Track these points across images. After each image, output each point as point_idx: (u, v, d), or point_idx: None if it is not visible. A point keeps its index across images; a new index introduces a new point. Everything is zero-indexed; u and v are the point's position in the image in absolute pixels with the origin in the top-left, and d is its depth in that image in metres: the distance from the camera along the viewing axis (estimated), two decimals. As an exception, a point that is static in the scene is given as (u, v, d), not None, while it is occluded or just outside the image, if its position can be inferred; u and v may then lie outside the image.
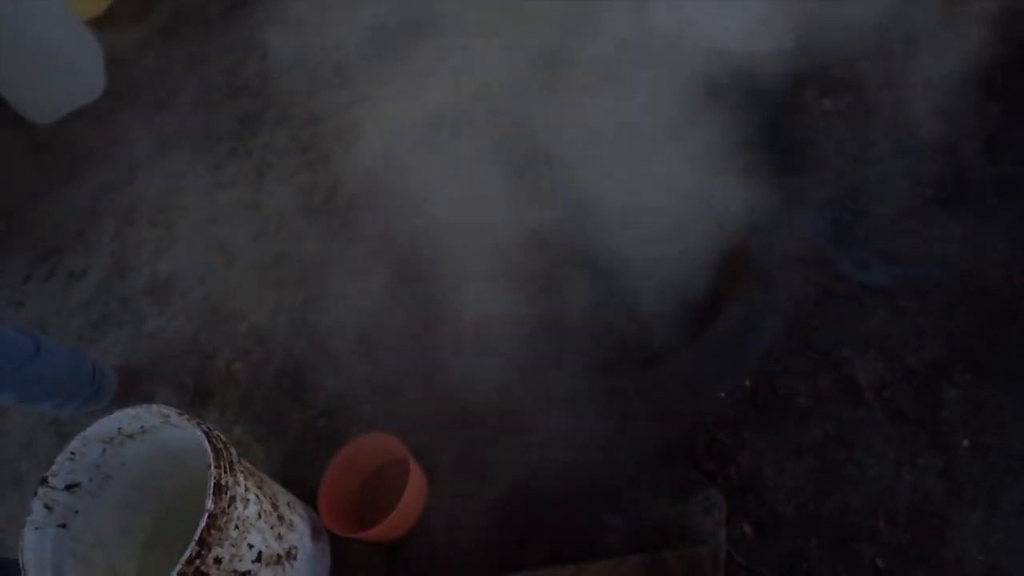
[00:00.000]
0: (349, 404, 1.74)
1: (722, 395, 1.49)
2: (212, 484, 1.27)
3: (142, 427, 1.45)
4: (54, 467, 1.40)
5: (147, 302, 2.13)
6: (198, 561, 1.22)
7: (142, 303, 2.13)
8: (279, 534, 1.43)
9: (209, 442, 1.32)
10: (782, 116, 1.75)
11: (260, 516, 1.38)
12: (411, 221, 1.85)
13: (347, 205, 2.08)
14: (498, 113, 1.91)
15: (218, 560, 1.26)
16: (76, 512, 1.43)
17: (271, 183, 2.23)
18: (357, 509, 1.65)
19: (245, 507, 1.33)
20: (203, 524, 1.23)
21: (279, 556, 1.42)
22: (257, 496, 1.39)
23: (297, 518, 1.51)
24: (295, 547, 1.47)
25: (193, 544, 1.22)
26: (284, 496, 1.52)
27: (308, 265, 2.01)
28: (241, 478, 1.35)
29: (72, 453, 1.42)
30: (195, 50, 2.73)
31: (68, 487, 1.42)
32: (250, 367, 1.89)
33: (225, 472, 1.31)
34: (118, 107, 2.67)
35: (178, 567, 1.19)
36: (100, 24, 2.93)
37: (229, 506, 1.29)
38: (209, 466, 1.29)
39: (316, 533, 1.55)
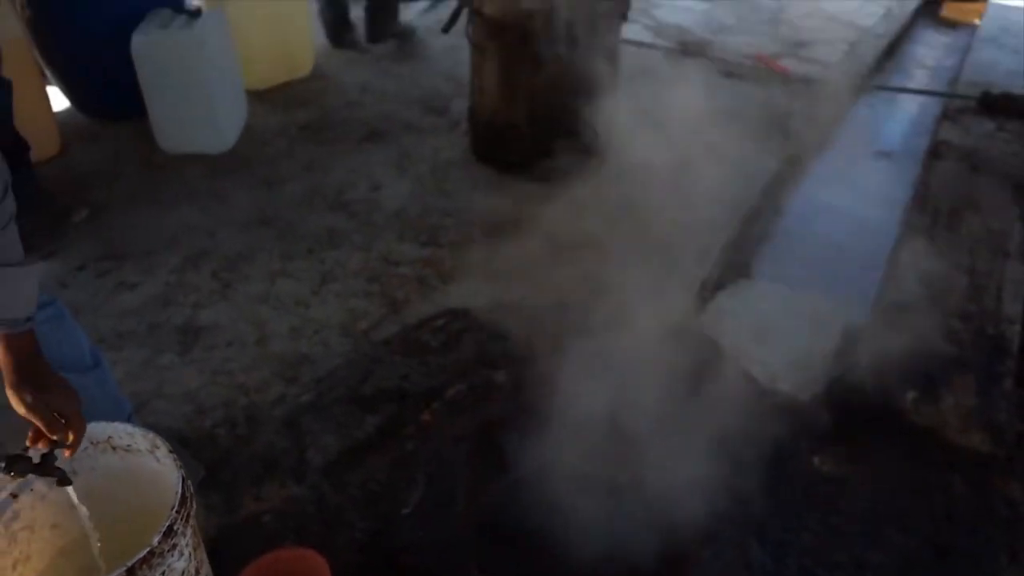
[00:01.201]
0: (300, 514, 1.83)
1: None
2: (167, 525, 1.36)
3: (128, 446, 1.56)
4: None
5: (174, 339, 2.28)
6: (119, 588, 1.30)
7: (169, 338, 2.28)
8: (192, 601, 1.49)
9: (182, 487, 1.42)
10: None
11: (183, 574, 1.45)
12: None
13: (381, 342, 2.27)
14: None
15: (135, 598, 1.33)
16: (31, 490, 1.51)
17: (327, 294, 2.44)
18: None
19: (179, 559, 1.41)
20: (141, 555, 1.31)
21: (179, 619, 1.47)
22: (191, 555, 1.47)
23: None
24: (194, 619, 1.52)
25: (123, 569, 1.30)
26: (206, 568, 1.59)
27: (323, 376, 2.16)
28: (189, 532, 1.44)
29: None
30: (320, 156, 3.05)
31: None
32: (231, 439, 2.00)
33: (181, 520, 1.40)
34: (233, 168, 2.96)
35: (117, 572, 1.27)
36: (255, 96, 3.30)
37: (169, 551, 1.37)
38: (172, 507, 1.38)
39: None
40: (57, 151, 2.98)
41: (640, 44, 3.51)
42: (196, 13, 2.95)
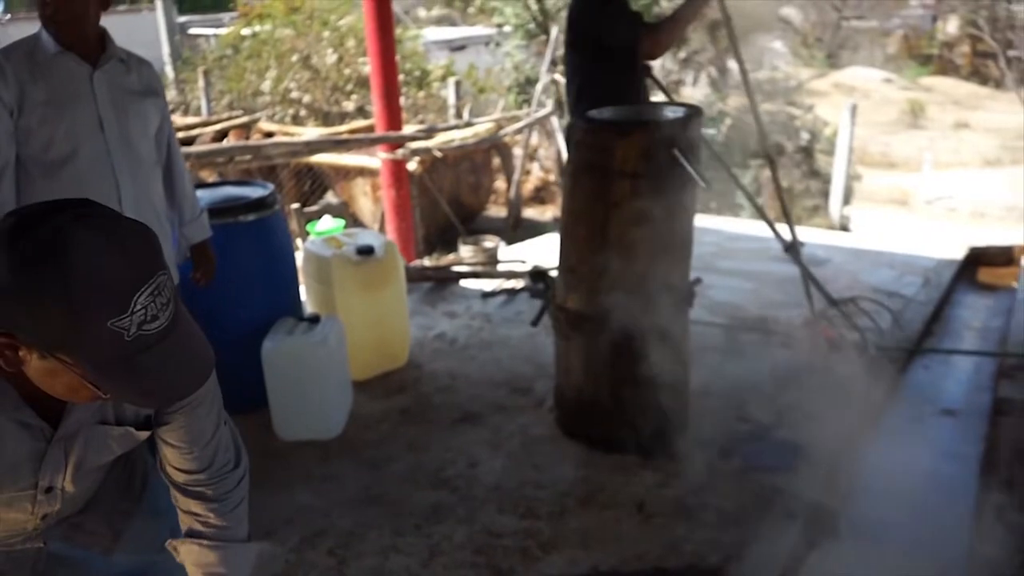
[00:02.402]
0: None
1: None
2: None
3: None
4: None
5: (296, 616, 2.43)
6: None
7: (292, 615, 2.43)
8: None
9: None
10: None
11: None
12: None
13: (491, 614, 2.39)
14: None
15: None
16: None
17: (436, 567, 2.60)
18: None
19: None
20: None
21: None
22: None
23: None
24: None
25: None
26: None
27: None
28: None
29: None
30: (419, 437, 3.34)
31: None
32: None
33: None
34: (342, 452, 3.25)
35: None
36: (358, 385, 3.68)
37: None
38: None
39: None
40: (186, 443, 3.32)
41: (701, 323, 3.87)
42: (315, 319, 3.41)
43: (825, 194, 10.30)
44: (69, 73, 2.32)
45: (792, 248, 3.72)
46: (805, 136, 11.93)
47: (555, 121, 8.22)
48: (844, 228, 9.44)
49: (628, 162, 2.90)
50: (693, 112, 3.09)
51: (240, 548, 1.46)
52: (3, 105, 2.23)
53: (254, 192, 3.56)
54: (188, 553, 1.45)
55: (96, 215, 1.03)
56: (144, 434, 1.36)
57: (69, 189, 2.27)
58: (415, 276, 4.89)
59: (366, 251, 3.72)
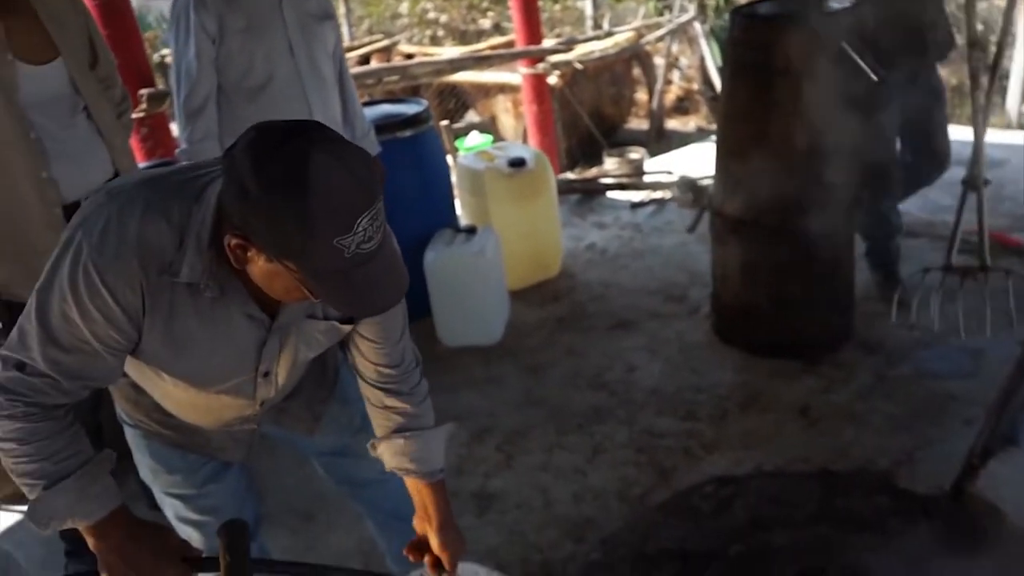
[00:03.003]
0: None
1: None
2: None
3: (474, 585, 1.83)
4: (407, 579, 1.81)
5: (470, 503, 2.60)
6: None
7: (466, 503, 2.60)
8: None
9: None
10: None
11: None
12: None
13: (655, 507, 2.47)
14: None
15: None
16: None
17: (600, 463, 2.70)
18: None
19: None
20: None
21: None
22: None
23: None
24: None
25: None
26: None
27: (607, 537, 2.37)
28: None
29: (420, 575, 1.83)
30: (576, 343, 3.43)
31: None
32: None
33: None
34: (503, 357, 3.38)
35: None
36: (514, 295, 3.79)
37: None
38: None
39: None
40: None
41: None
42: (472, 230, 3.52)
43: (1002, 91, 9.39)
44: (260, 0, 2.45)
45: (973, 184, 2.96)
46: (979, 27, 10.86)
47: (698, 27, 7.88)
48: (1023, 127, 8.63)
49: (789, 59, 2.77)
50: (861, 2, 2.89)
51: (432, 433, 1.59)
52: (206, 34, 2.38)
53: (409, 109, 3.66)
54: (387, 448, 1.59)
55: (331, 139, 1.10)
56: (347, 328, 1.48)
57: (267, 112, 2.39)
58: (562, 189, 4.90)
59: (518, 163, 3.77)
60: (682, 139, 7.04)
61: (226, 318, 1.31)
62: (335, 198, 1.05)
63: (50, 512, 1.29)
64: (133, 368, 1.40)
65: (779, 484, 2.49)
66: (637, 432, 2.82)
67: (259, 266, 1.15)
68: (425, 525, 1.59)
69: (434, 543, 1.58)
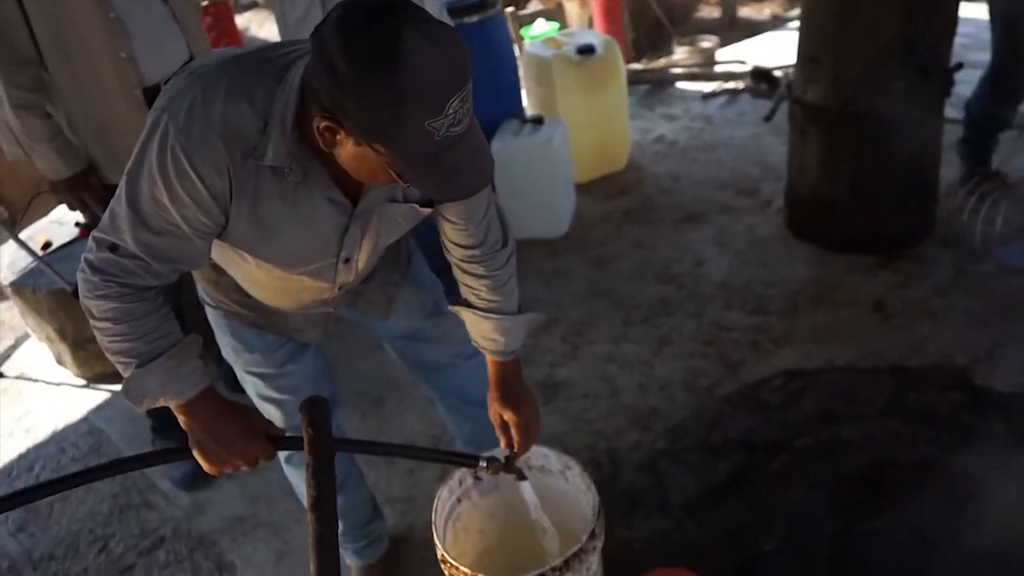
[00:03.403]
0: (667, 545, 2.04)
1: None
2: (591, 528, 1.63)
3: (543, 466, 1.87)
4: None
5: (537, 392, 2.63)
6: (558, 572, 1.58)
7: (533, 392, 2.64)
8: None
9: (597, 499, 1.70)
10: None
11: (595, 574, 1.71)
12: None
13: (722, 398, 2.47)
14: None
15: (563, 583, 1.61)
16: (469, 497, 1.87)
17: (667, 355, 2.70)
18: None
19: (595, 560, 1.68)
20: (574, 550, 1.59)
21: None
22: (598, 562, 1.73)
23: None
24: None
25: (562, 560, 1.58)
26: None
27: (673, 426, 2.40)
28: (602, 537, 1.70)
29: (492, 457, 1.88)
30: (643, 236, 3.38)
31: (476, 477, 1.88)
32: (597, 478, 2.26)
33: (597, 530, 1.67)
34: (568, 250, 3.36)
35: (556, 562, 1.55)
36: (580, 187, 3.73)
37: (590, 552, 1.64)
38: (594, 514, 1.66)
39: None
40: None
41: (951, 120, 3.50)
42: (539, 120, 3.44)
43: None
44: None
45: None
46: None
47: (778, -98, 7.37)
48: None
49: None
50: None
51: (510, 320, 1.60)
52: None
53: (474, -8, 3.54)
54: (466, 317, 1.62)
55: (423, 19, 1.05)
56: (427, 211, 1.47)
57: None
58: (630, 80, 4.72)
59: (587, 50, 3.64)
60: (756, 27, 6.69)
61: (309, 202, 1.31)
62: (427, 78, 1.02)
63: (143, 390, 1.33)
64: (216, 250, 1.41)
65: (850, 378, 2.46)
66: (705, 325, 2.80)
67: (347, 149, 1.14)
68: (496, 400, 1.63)
69: (507, 416, 1.61)
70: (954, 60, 2.84)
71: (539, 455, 1.88)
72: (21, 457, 2.91)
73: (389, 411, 2.73)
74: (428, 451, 2.03)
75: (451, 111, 1.05)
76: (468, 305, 1.60)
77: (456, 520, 1.86)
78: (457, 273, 1.58)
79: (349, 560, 2.14)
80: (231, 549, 2.33)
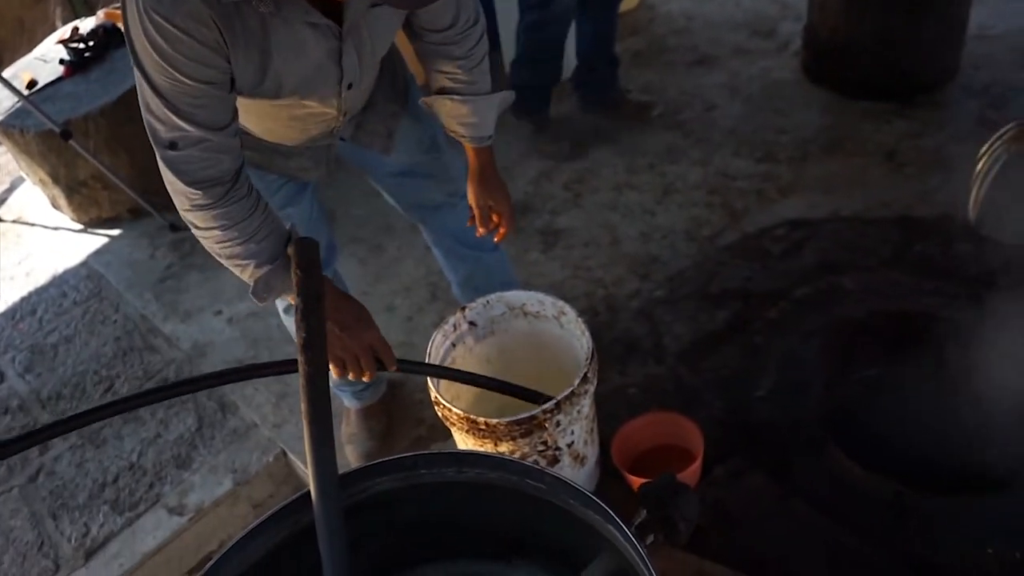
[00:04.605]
0: (661, 391, 2.07)
1: None
2: (583, 373, 1.64)
3: (538, 312, 1.86)
4: (473, 304, 1.86)
5: (537, 239, 2.60)
6: (550, 414, 1.60)
7: (533, 238, 2.61)
8: (585, 441, 1.79)
9: (590, 344, 1.70)
10: None
11: (585, 419, 1.74)
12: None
13: (724, 247, 2.43)
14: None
15: (557, 424, 1.63)
16: (464, 343, 1.88)
17: (670, 204, 2.64)
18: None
19: (586, 403, 1.70)
20: (565, 394, 1.61)
21: (579, 456, 1.77)
22: (590, 405, 1.76)
23: (595, 444, 1.86)
24: (586, 458, 1.81)
25: (554, 402, 1.60)
26: (595, 416, 1.88)
27: (673, 275, 2.37)
28: (594, 382, 1.72)
29: (487, 302, 1.87)
30: (652, 79, 3.24)
31: (471, 322, 1.88)
32: (594, 324, 2.27)
33: (590, 374, 1.68)
34: (571, 94, 3.22)
35: (548, 404, 1.58)
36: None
37: (582, 395, 1.66)
38: (586, 358, 1.66)
39: (596, 463, 1.89)
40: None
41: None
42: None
43: None
44: None
45: None
46: None
47: None
48: None
49: None
50: None
51: (485, 99, 1.63)
52: None
53: None
54: (441, 106, 1.64)
55: None
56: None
57: None
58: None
59: None
60: None
61: (290, 32, 1.26)
62: None
63: (267, 288, 1.38)
64: None
65: (855, 228, 2.40)
66: (711, 173, 2.72)
67: None
68: (477, 188, 1.74)
69: (492, 202, 1.75)
70: None
71: (534, 300, 1.87)
72: (24, 300, 2.93)
73: (388, 258, 2.71)
74: (494, 381, 1.84)
75: None
76: (442, 92, 1.61)
77: (451, 364, 1.87)
78: (431, 60, 1.59)
79: (348, 403, 2.19)
80: (233, 390, 2.38)
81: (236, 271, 1.38)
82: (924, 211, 2.43)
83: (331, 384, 1.90)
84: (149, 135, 1.25)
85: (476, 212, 1.78)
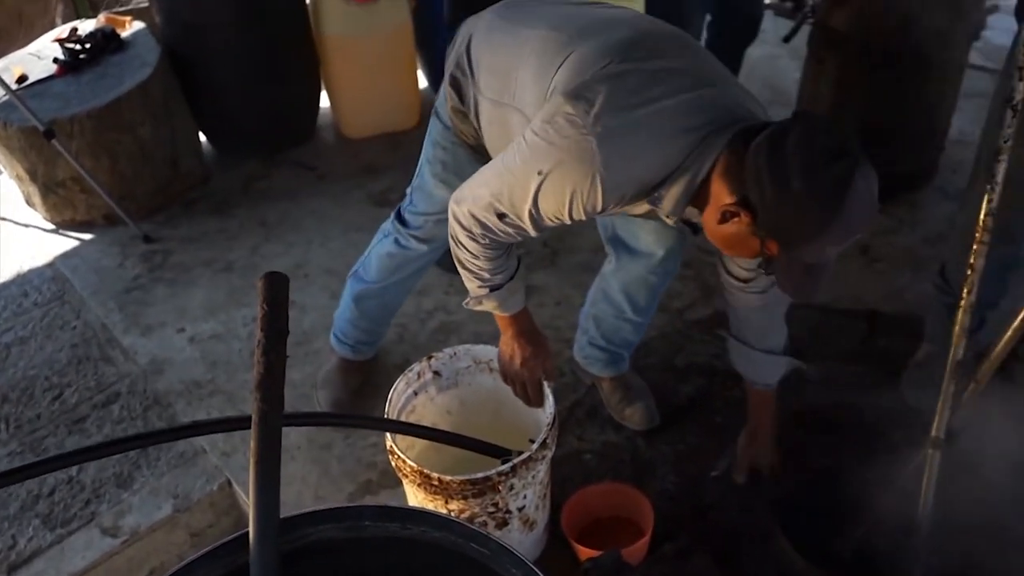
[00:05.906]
0: (616, 460, 2.05)
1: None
2: (542, 439, 1.63)
3: (503, 370, 1.86)
4: (439, 354, 1.85)
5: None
6: (504, 477, 1.58)
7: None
8: (537, 506, 1.77)
9: (553, 411, 1.69)
10: None
11: (539, 484, 1.73)
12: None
13: (694, 322, 2.44)
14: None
15: (511, 487, 1.61)
16: (426, 392, 1.87)
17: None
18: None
19: (543, 469, 1.69)
20: (524, 456, 1.60)
21: (529, 521, 1.75)
22: (546, 471, 1.74)
23: (546, 510, 1.84)
24: (536, 523, 1.79)
25: (509, 465, 1.58)
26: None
27: (640, 344, 2.37)
28: (553, 448, 1.71)
29: (454, 353, 1.86)
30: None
31: (435, 372, 1.86)
32: (559, 386, 2.27)
33: (549, 440, 1.67)
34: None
35: (504, 467, 1.56)
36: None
37: (539, 461, 1.64)
38: (548, 425, 1.66)
39: (545, 529, 1.87)
40: (415, 123, 3.48)
41: (973, 67, 3.37)
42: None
43: None
44: None
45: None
46: None
47: None
48: None
49: None
50: None
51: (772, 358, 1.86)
52: None
53: None
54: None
55: (866, 164, 1.21)
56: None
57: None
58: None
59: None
60: (791, -60, 6.36)
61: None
62: (854, 221, 1.21)
63: (482, 303, 1.66)
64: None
65: (823, 318, 2.44)
66: (689, 247, 2.74)
67: (731, 225, 1.28)
68: (760, 439, 1.93)
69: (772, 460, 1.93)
70: (989, 2, 2.72)
71: (490, 354, 1.86)
72: (-17, 295, 2.87)
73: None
74: (455, 436, 1.80)
75: (848, 243, 1.25)
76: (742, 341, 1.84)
77: (410, 413, 1.86)
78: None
79: (339, 349, 2.27)
80: (185, 412, 2.33)
81: (466, 279, 1.63)
82: (892, 307, 2.47)
83: (333, 333, 2.25)
84: (481, 205, 1.45)
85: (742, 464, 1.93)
